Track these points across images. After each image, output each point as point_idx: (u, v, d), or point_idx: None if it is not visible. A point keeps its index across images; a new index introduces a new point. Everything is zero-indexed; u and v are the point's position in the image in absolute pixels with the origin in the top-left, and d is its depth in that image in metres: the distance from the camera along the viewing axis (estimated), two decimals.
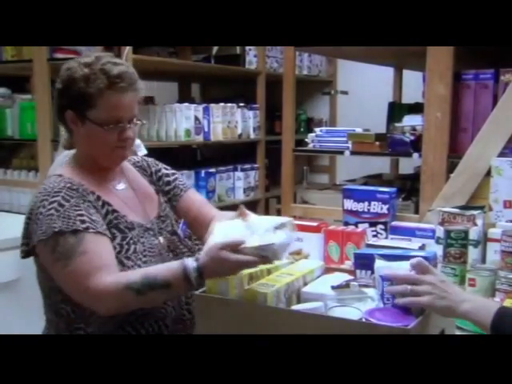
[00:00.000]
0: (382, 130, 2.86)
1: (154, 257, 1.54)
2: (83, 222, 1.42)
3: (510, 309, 1.27)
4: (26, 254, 1.52)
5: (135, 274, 1.40)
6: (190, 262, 1.37)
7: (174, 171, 1.78)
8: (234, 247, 1.33)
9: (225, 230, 1.42)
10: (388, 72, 3.73)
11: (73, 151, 1.65)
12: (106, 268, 1.40)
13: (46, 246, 1.43)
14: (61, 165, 1.64)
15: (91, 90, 1.46)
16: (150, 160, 1.78)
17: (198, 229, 1.70)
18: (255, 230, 1.38)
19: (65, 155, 2.34)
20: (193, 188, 1.81)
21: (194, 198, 1.76)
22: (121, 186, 1.62)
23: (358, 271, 1.58)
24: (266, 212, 4.02)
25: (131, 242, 1.51)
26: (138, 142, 2.98)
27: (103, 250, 1.43)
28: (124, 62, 1.56)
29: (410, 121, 2.47)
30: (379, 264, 1.39)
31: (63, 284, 1.44)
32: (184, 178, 1.80)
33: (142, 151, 2.98)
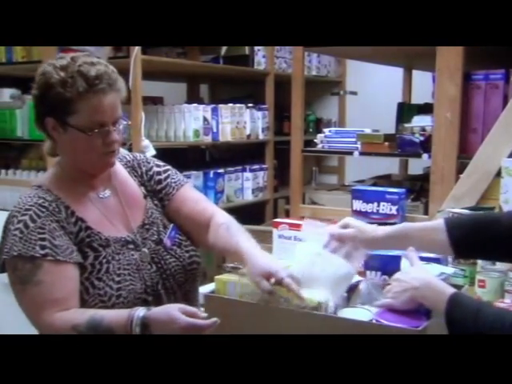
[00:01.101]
0: (391, 130, 2.85)
1: (131, 274, 1.46)
2: (43, 247, 1.37)
3: (460, 296, 1.27)
4: (1, 269, 1.45)
5: (83, 316, 1.35)
6: (138, 312, 1.31)
7: (167, 167, 1.67)
8: (191, 314, 1.28)
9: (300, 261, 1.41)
10: (397, 72, 3.71)
11: None
12: (57, 303, 1.36)
13: (8, 265, 1.41)
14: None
15: (70, 95, 1.38)
16: (142, 158, 1.67)
17: (193, 228, 1.61)
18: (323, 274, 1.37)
19: None
20: (188, 184, 1.69)
21: (188, 196, 1.64)
22: (105, 194, 1.54)
23: (368, 272, 1.57)
24: (274, 213, 4.01)
25: (104, 260, 1.44)
26: (146, 142, 2.99)
27: (59, 282, 1.37)
28: (102, 60, 1.46)
29: (419, 121, 2.46)
30: (407, 265, 1.39)
31: (21, 308, 1.42)
32: (179, 174, 1.68)
33: (151, 151, 2.99)
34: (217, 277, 1.45)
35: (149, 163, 1.66)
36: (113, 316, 1.34)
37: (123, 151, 2.21)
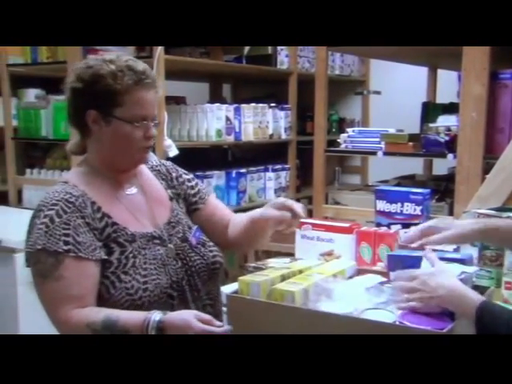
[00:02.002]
0: (416, 130, 2.82)
1: (156, 268, 1.48)
2: (67, 243, 1.39)
3: (490, 305, 1.26)
4: (26, 263, 1.48)
5: (99, 315, 1.36)
6: (154, 316, 1.33)
7: (193, 176, 1.75)
8: (206, 322, 1.30)
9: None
10: (422, 71, 3.68)
11: None
12: (75, 300, 1.38)
13: (30, 258, 1.43)
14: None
15: (119, 87, 1.43)
16: (169, 164, 1.73)
17: (220, 231, 1.70)
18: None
19: None
20: (213, 193, 1.82)
21: (217, 202, 1.76)
22: (132, 191, 1.57)
23: (391, 273, 1.55)
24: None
25: (130, 255, 1.46)
26: (169, 142, 3.00)
27: (78, 279, 1.39)
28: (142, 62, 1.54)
29: (444, 121, 2.43)
30: (428, 265, 1.37)
31: (39, 299, 1.44)
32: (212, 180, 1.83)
33: (173, 151, 3.00)
34: (240, 277, 1.45)
35: (177, 170, 1.72)
36: (129, 317, 1.36)
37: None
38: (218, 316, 1.59)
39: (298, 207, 1.54)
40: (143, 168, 1.64)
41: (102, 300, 1.42)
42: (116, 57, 1.46)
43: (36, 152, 3.99)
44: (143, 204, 1.57)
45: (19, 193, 3.57)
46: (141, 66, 1.47)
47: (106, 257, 1.43)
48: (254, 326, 1.33)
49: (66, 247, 1.39)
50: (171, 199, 1.63)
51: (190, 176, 1.74)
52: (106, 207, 1.48)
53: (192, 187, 1.70)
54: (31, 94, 3.73)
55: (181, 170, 1.73)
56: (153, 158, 1.75)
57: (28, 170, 3.58)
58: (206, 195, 1.71)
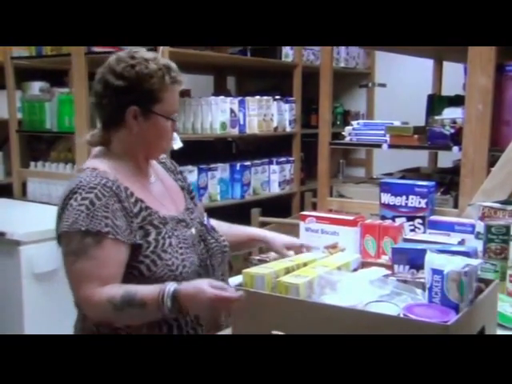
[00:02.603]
0: (421, 123, 2.81)
1: (189, 248, 1.58)
2: (107, 225, 1.46)
3: None
4: (58, 240, 1.56)
5: (119, 290, 1.43)
6: (169, 287, 1.39)
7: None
8: (219, 288, 1.36)
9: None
10: (427, 64, 3.66)
11: None
12: (101, 280, 1.44)
13: (65, 237, 1.48)
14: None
15: (160, 86, 1.54)
16: (171, 160, 1.85)
17: None
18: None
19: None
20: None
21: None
22: (152, 180, 1.67)
23: (395, 266, 1.55)
24: (301, 206, 4.00)
25: (166, 236, 1.55)
26: (173, 134, 2.99)
27: (111, 260, 1.46)
28: None
29: (450, 113, 2.42)
30: (431, 257, 1.36)
31: (67, 278, 1.50)
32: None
33: (178, 144, 2.98)
34: (245, 270, 1.44)
35: (178, 166, 1.85)
36: (146, 290, 1.42)
37: None
38: None
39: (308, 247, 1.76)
40: (154, 163, 1.74)
41: (144, 278, 1.49)
42: (152, 56, 1.56)
43: (40, 145, 3.99)
44: (164, 191, 1.68)
45: (23, 185, 3.57)
46: (173, 64, 1.59)
47: (140, 241, 1.51)
48: (259, 319, 1.33)
49: (106, 229, 1.46)
50: (182, 189, 1.77)
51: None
52: (138, 193, 1.57)
53: (190, 184, 1.85)
54: (35, 87, 3.73)
55: (178, 166, 1.86)
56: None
57: (32, 163, 3.58)
58: (194, 196, 1.84)
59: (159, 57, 1.58)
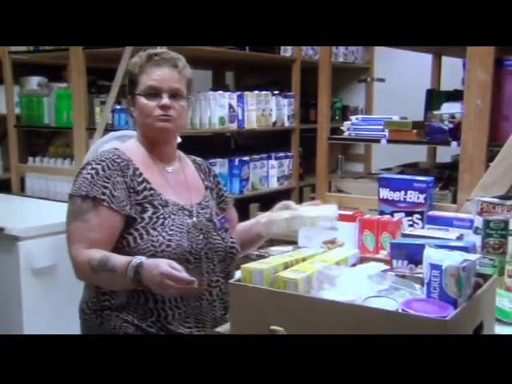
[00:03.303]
0: (420, 118, 2.80)
1: (181, 233, 1.66)
2: (104, 193, 1.62)
3: None
4: None
5: (99, 254, 1.58)
6: (135, 260, 1.52)
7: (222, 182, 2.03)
8: (175, 268, 1.46)
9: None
10: (426, 58, 3.65)
11: (106, 138, 1.99)
12: (90, 242, 1.60)
13: (70, 200, 1.67)
14: (96, 151, 1.79)
15: (136, 70, 1.72)
16: (207, 163, 1.97)
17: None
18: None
19: (101, 142, 2.38)
20: (231, 202, 2.00)
21: (234, 212, 2.00)
22: (169, 169, 1.79)
23: (394, 261, 1.55)
24: (300, 201, 3.99)
25: (161, 216, 1.67)
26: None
27: (102, 226, 1.61)
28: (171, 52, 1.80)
29: (448, 108, 2.41)
30: (429, 252, 1.36)
31: (66, 233, 1.67)
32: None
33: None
34: (243, 265, 1.44)
35: (214, 171, 1.98)
36: (119, 258, 1.56)
37: None
38: (227, 292, 1.71)
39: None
40: (186, 159, 1.89)
41: (129, 248, 1.63)
42: (149, 51, 1.75)
43: (38, 140, 3.98)
44: (182, 182, 1.79)
45: (22, 181, 3.56)
46: (157, 50, 1.75)
47: (134, 215, 1.64)
48: (257, 314, 1.33)
49: (102, 197, 1.62)
50: (206, 188, 1.87)
51: (218, 179, 1.98)
52: (146, 175, 1.71)
53: (221, 189, 1.95)
54: (33, 82, 3.72)
55: (213, 170, 1.98)
56: (196, 158, 1.97)
57: (30, 158, 3.57)
58: (229, 202, 1.96)
59: (151, 50, 1.75)
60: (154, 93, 1.70)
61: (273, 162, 3.85)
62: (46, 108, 3.43)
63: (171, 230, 1.66)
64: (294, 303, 1.30)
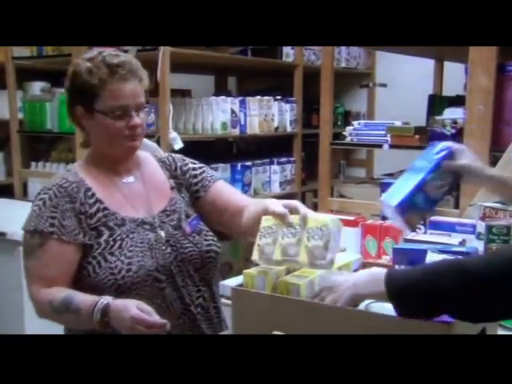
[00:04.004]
0: (422, 123, 2.81)
1: (143, 251, 1.54)
2: (52, 225, 1.51)
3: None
4: None
5: (60, 294, 1.47)
6: (102, 301, 1.40)
7: (202, 165, 1.78)
8: (146, 312, 1.35)
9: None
10: (428, 64, 3.66)
11: None
12: (46, 281, 1.50)
13: (23, 236, 1.57)
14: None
15: (94, 82, 1.51)
16: (178, 156, 1.78)
17: (228, 217, 1.70)
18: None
19: None
20: (222, 180, 1.79)
21: (224, 188, 1.75)
22: (129, 179, 1.64)
23: (396, 266, 1.55)
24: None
25: (118, 238, 1.54)
26: (174, 134, 2.99)
27: (55, 261, 1.51)
28: (125, 54, 1.62)
29: (450, 114, 2.42)
30: (432, 257, 1.36)
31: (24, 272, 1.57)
32: (213, 172, 1.81)
33: (178, 144, 2.99)
34: (245, 270, 1.44)
35: (184, 160, 1.77)
36: (83, 298, 1.45)
37: (151, 144, 2.23)
38: (214, 300, 1.67)
39: (301, 206, 1.46)
40: (150, 160, 1.72)
41: (89, 279, 1.52)
42: (96, 54, 1.55)
43: (41, 145, 4.00)
44: (140, 192, 1.64)
45: (24, 186, 3.57)
46: (117, 59, 1.53)
47: (89, 242, 1.53)
48: (260, 320, 1.33)
49: (51, 229, 1.51)
50: (172, 188, 1.69)
51: (198, 165, 1.77)
52: (100, 193, 1.58)
53: (195, 175, 1.73)
54: (36, 87, 3.73)
55: (188, 160, 1.77)
56: (162, 153, 1.82)
57: (33, 163, 3.58)
58: (210, 182, 1.73)
59: (104, 53, 1.55)
60: (121, 112, 1.53)
61: (275, 167, 3.85)
62: (48, 113, 3.44)
63: (130, 251, 1.53)
64: (296, 308, 1.30)
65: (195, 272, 1.61)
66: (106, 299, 1.41)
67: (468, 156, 1.48)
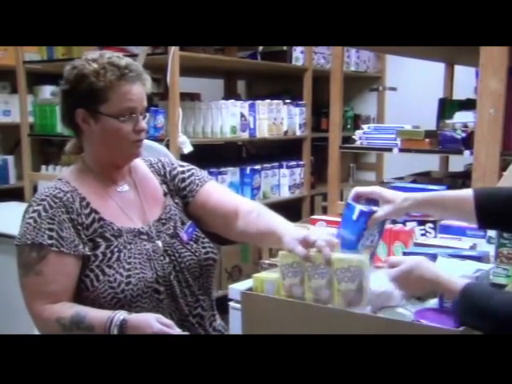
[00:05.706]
0: (432, 127, 2.80)
1: (141, 263, 1.50)
2: (51, 237, 1.44)
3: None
4: None
5: (69, 310, 1.42)
6: (118, 315, 1.37)
7: (191, 167, 1.72)
8: (167, 325, 1.34)
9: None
10: (439, 67, 3.65)
11: None
12: (50, 296, 1.44)
13: (17, 251, 1.48)
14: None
15: (102, 84, 1.46)
16: (166, 160, 1.72)
17: (220, 220, 1.64)
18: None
19: None
20: (211, 181, 1.72)
21: (212, 190, 1.68)
22: (123, 188, 1.59)
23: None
24: (311, 210, 3.99)
25: (115, 249, 1.49)
26: (183, 138, 3.00)
27: (57, 275, 1.44)
28: (127, 57, 1.56)
29: (461, 117, 2.41)
30: (442, 261, 1.35)
31: (20, 289, 1.49)
32: (203, 172, 1.73)
33: (188, 148, 3.00)
34: (255, 275, 1.44)
35: (173, 164, 1.71)
36: (95, 315, 1.40)
37: (161, 148, 2.22)
38: (213, 309, 1.65)
39: (322, 244, 1.31)
40: (140, 165, 1.66)
41: (88, 293, 1.46)
42: (99, 55, 1.50)
43: (51, 148, 4.02)
44: (135, 201, 1.59)
45: (35, 189, 3.58)
46: (123, 61, 1.49)
47: (89, 252, 1.47)
48: (269, 324, 1.33)
49: (50, 241, 1.43)
50: (165, 194, 1.64)
51: (186, 168, 1.71)
52: (95, 203, 1.52)
53: (183, 179, 1.67)
54: (47, 91, 3.76)
55: (176, 163, 1.73)
56: (151, 158, 1.73)
57: (43, 167, 3.60)
58: (198, 186, 1.66)
59: (107, 55, 1.49)
60: (128, 116, 1.48)
61: (284, 171, 3.85)
62: (58, 117, 3.45)
63: (128, 263, 1.48)
64: (305, 312, 1.30)
65: (194, 281, 1.58)
66: (121, 314, 1.37)
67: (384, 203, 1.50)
